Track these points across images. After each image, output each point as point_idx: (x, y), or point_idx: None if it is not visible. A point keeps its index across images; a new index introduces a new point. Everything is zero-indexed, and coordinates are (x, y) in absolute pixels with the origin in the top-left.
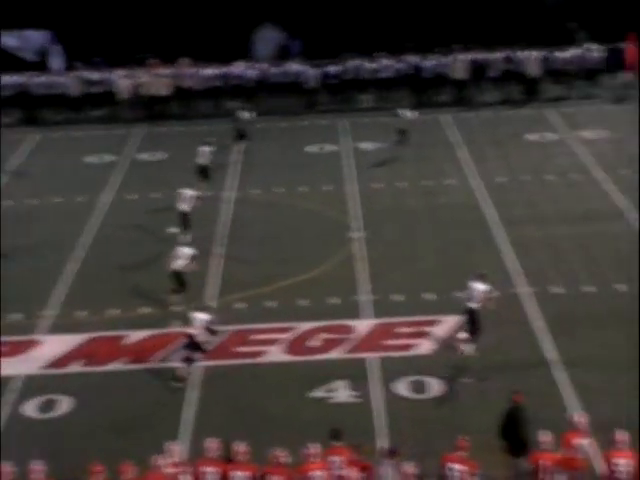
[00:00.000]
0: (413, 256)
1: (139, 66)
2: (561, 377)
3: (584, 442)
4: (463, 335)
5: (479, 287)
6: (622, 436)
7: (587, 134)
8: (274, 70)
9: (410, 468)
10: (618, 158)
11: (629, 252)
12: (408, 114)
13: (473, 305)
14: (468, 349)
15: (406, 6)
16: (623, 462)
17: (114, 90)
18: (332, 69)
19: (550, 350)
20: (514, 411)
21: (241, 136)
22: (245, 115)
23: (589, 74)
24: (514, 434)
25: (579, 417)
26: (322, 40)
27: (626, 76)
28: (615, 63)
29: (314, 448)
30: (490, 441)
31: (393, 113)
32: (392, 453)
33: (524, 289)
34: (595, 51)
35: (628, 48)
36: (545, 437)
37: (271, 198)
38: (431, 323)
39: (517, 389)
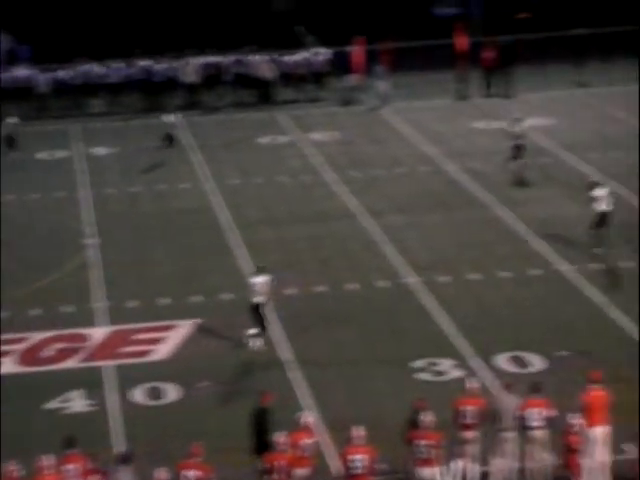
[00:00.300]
0: (148, 261)
1: None
2: (296, 377)
3: (311, 441)
4: (251, 331)
5: (260, 280)
6: (358, 432)
7: (317, 136)
8: (2, 75)
9: (162, 474)
10: (347, 159)
11: (359, 252)
12: (172, 118)
13: (258, 299)
14: (258, 344)
15: (137, 10)
16: (359, 457)
17: None
18: (62, 74)
19: (285, 350)
20: (260, 412)
21: (10, 142)
22: (13, 120)
23: (317, 77)
24: (259, 435)
25: (305, 417)
26: (52, 44)
27: (353, 79)
28: (342, 66)
29: (47, 460)
30: (230, 443)
31: (157, 117)
32: (126, 459)
33: None
34: (322, 54)
35: (355, 51)
36: (280, 438)
37: None
38: (167, 328)
39: (260, 390)
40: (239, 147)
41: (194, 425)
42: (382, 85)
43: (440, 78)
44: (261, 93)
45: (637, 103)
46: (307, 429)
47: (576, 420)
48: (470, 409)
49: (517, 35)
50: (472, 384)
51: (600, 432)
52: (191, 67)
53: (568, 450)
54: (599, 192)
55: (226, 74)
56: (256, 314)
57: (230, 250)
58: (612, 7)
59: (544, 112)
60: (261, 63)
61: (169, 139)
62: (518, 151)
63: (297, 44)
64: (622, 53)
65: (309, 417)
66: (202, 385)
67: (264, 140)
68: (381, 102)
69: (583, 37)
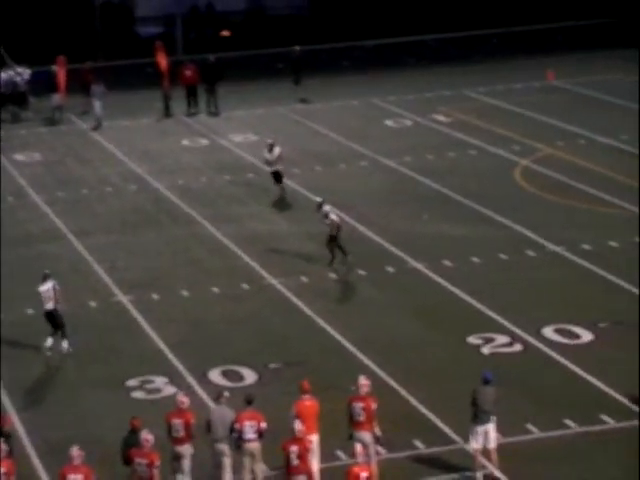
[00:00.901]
0: None
1: None
2: (7, 401)
3: (5, 469)
4: (49, 342)
5: (45, 288)
6: (75, 452)
7: (21, 157)
8: None
9: None
10: (54, 180)
11: (69, 273)
12: None
13: (49, 307)
14: (64, 347)
15: None
16: (75, 477)
17: None
18: None
19: None
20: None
21: None
22: None
23: (20, 97)
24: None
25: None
26: None
27: (57, 99)
28: (45, 86)
29: None
30: None
31: None
32: None
33: None
34: (24, 74)
35: (58, 71)
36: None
37: None
38: None
39: None
40: None
41: None
42: (98, 105)
43: (147, 96)
44: None
45: (340, 119)
46: (6, 457)
47: (299, 426)
48: (180, 422)
49: (221, 53)
50: (182, 398)
51: (311, 441)
52: None
53: (299, 455)
54: (327, 208)
55: None
56: (51, 320)
57: None
58: (329, 25)
59: (249, 129)
60: None
61: None
62: (277, 176)
63: None
64: (331, 70)
65: (2, 445)
66: None
67: None
68: (97, 122)
69: (299, 53)
